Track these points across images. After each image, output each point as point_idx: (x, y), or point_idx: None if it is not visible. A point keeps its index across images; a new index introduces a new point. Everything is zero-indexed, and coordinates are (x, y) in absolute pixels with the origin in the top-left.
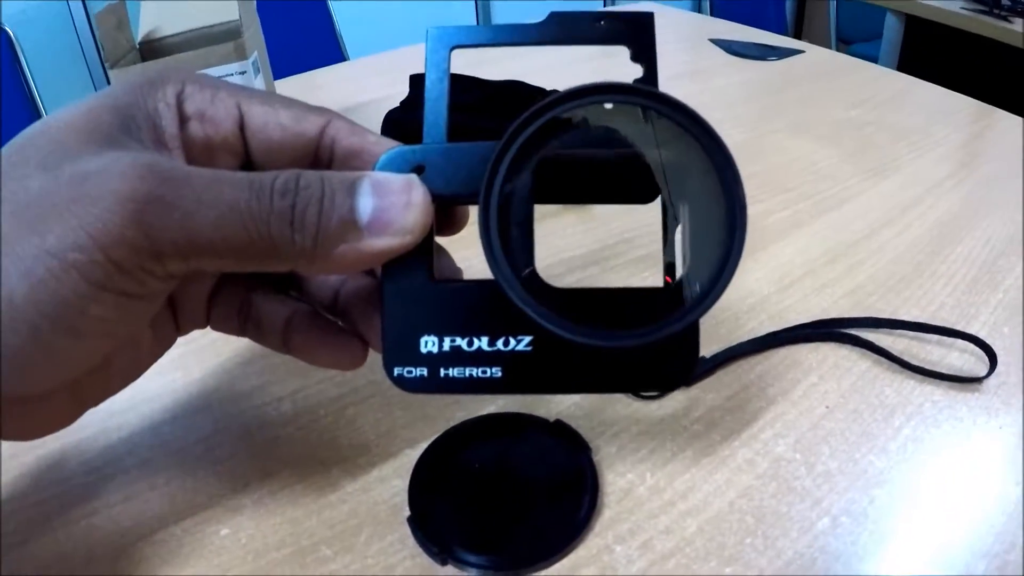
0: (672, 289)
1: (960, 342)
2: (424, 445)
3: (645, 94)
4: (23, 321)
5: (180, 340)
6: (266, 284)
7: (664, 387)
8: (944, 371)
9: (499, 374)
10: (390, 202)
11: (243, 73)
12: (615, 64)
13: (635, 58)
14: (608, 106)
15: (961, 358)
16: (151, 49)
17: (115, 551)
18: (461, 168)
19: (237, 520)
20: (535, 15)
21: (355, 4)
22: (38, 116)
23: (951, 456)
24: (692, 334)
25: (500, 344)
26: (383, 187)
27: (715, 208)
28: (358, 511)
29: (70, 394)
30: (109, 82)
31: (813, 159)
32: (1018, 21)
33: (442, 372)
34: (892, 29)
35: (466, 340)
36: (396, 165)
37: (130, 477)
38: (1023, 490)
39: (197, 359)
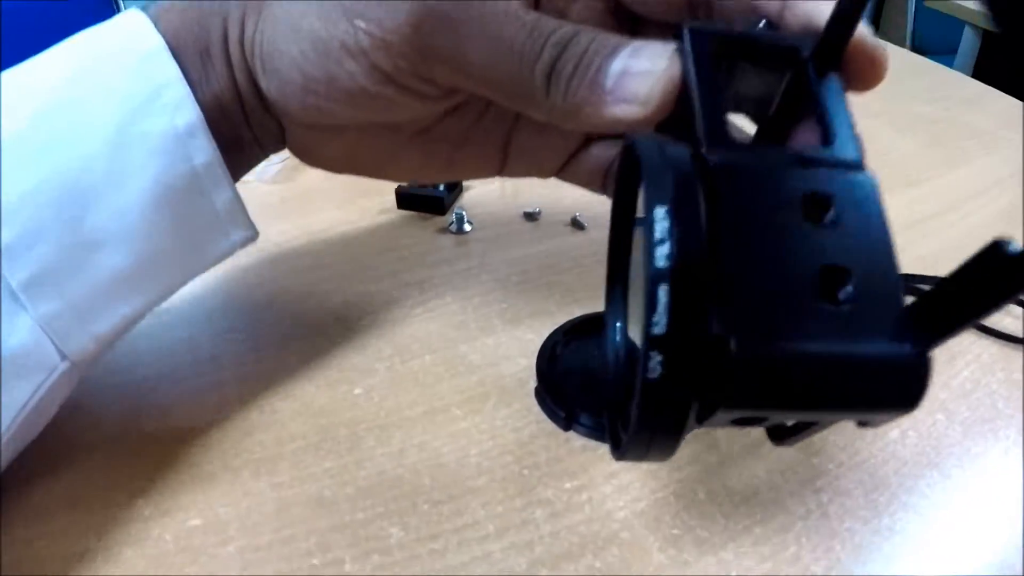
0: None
1: (1016, 308)
2: (547, 332)
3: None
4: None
5: (317, 238)
6: None
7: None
8: (999, 329)
9: None
10: (636, 70)
11: None
12: None
13: None
14: None
15: (1015, 323)
16: None
17: (246, 405)
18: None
19: (370, 382)
20: None
21: None
22: None
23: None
24: None
25: None
26: (638, 55)
27: None
28: (485, 381)
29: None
30: None
31: (887, 145)
32: None
33: None
34: (968, 42)
35: None
36: (697, 43)
37: (265, 341)
38: None
39: (330, 250)
